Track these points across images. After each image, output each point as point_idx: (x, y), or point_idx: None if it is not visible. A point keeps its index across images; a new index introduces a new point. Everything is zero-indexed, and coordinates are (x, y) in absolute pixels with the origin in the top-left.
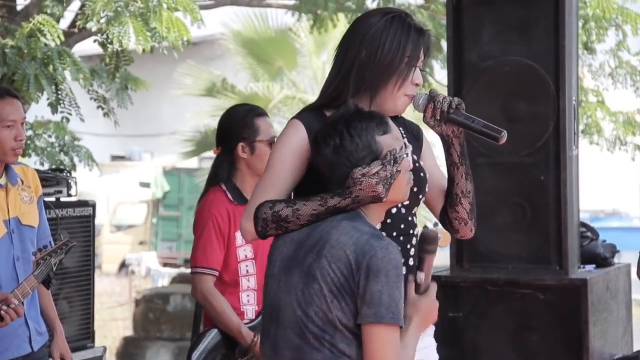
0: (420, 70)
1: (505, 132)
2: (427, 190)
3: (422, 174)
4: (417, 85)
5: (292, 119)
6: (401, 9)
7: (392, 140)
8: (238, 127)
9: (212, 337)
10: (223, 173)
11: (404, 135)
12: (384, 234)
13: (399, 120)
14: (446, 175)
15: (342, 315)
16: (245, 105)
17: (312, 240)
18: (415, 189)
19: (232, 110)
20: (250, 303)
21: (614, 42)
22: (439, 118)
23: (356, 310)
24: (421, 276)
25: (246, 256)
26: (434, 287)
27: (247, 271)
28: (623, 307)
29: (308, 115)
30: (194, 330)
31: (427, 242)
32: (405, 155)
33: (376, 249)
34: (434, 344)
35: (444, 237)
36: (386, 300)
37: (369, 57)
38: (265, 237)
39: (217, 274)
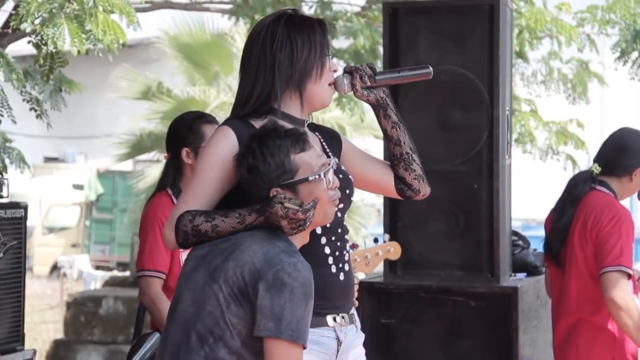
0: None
1: (430, 66)
2: (354, 190)
3: (349, 177)
4: (334, 71)
5: (221, 125)
6: (286, 8)
7: (310, 157)
8: (183, 132)
9: (153, 341)
10: (169, 177)
11: (323, 142)
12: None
13: (315, 127)
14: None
15: (237, 320)
16: (196, 112)
17: (226, 244)
18: (347, 191)
19: (181, 116)
20: None
21: (546, 50)
22: (369, 84)
23: (252, 319)
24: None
25: None
26: None
27: None
28: None
29: (237, 122)
30: (136, 332)
31: None
32: (316, 201)
33: (284, 263)
34: (363, 352)
35: (395, 249)
36: (287, 315)
37: (288, 57)
38: (187, 247)
39: (164, 277)
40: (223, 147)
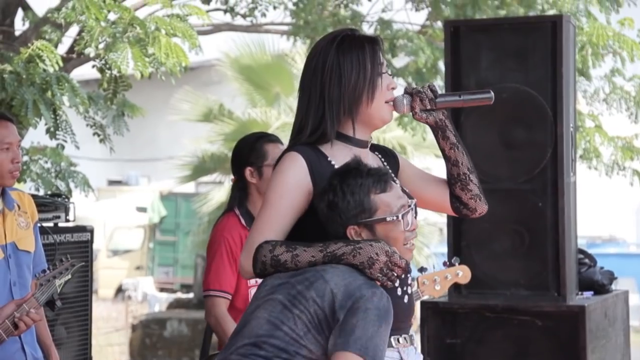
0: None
1: (491, 90)
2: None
3: (413, 199)
4: (392, 89)
5: (289, 151)
6: (345, 28)
7: (390, 198)
8: (246, 152)
9: None
10: (235, 198)
11: (383, 161)
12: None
13: (374, 147)
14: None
15: (314, 347)
16: (259, 132)
17: (308, 273)
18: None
19: (244, 137)
20: None
21: (609, 67)
22: (429, 107)
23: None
24: None
25: (256, 281)
26: None
27: None
28: (621, 334)
29: (305, 148)
30: (202, 353)
31: None
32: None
33: (363, 291)
34: None
35: (464, 272)
36: (358, 332)
37: (336, 84)
38: (263, 277)
39: (229, 297)
40: (293, 173)
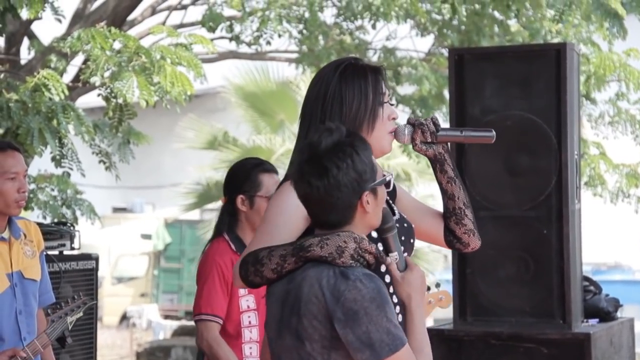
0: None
1: (493, 130)
2: (415, 234)
3: (405, 225)
4: (394, 119)
5: (287, 180)
6: (349, 56)
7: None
8: (240, 179)
9: None
10: (224, 223)
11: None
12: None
13: None
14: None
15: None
16: (256, 159)
17: (291, 298)
18: (411, 240)
19: (241, 162)
20: (252, 355)
21: (614, 91)
22: (429, 140)
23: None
24: (394, 256)
25: (248, 306)
26: (409, 260)
27: (249, 322)
28: None
29: None
30: None
31: (383, 222)
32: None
33: (344, 292)
34: None
35: (446, 297)
36: (375, 336)
37: (337, 111)
38: (247, 281)
39: (221, 321)
40: (292, 196)
